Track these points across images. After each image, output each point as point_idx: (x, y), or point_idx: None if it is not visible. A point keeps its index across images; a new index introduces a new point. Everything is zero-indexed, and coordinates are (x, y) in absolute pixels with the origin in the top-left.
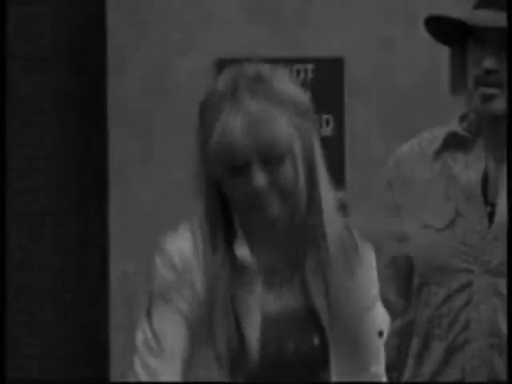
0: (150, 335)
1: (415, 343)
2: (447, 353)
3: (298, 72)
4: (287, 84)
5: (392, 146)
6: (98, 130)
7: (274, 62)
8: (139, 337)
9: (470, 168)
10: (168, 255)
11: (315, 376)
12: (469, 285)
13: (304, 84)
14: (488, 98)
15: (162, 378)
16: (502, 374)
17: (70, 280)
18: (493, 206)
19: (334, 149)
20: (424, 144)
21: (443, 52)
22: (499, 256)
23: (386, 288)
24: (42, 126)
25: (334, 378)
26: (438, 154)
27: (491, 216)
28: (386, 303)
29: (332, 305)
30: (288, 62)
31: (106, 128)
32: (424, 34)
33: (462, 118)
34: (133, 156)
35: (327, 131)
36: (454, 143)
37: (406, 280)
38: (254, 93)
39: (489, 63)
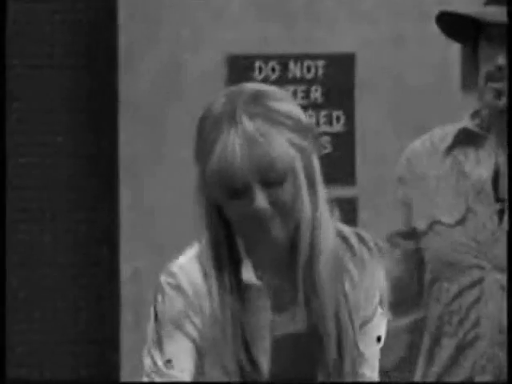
0: (160, 362)
1: (426, 340)
2: (457, 350)
3: (309, 68)
4: (285, 102)
5: (403, 142)
6: (108, 128)
7: (285, 58)
8: (148, 363)
9: (481, 164)
10: (176, 280)
11: None
12: (480, 281)
13: (315, 80)
14: (500, 94)
15: None
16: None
17: (80, 278)
18: (503, 202)
19: (345, 145)
20: (435, 140)
21: (454, 48)
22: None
23: (396, 285)
24: (53, 124)
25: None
26: (450, 150)
27: (501, 212)
28: (397, 301)
29: (334, 320)
30: (299, 58)
31: (117, 126)
32: (435, 31)
33: (474, 115)
34: (144, 154)
35: (338, 127)
36: (465, 139)
37: (417, 276)
38: (251, 113)
39: (502, 59)
